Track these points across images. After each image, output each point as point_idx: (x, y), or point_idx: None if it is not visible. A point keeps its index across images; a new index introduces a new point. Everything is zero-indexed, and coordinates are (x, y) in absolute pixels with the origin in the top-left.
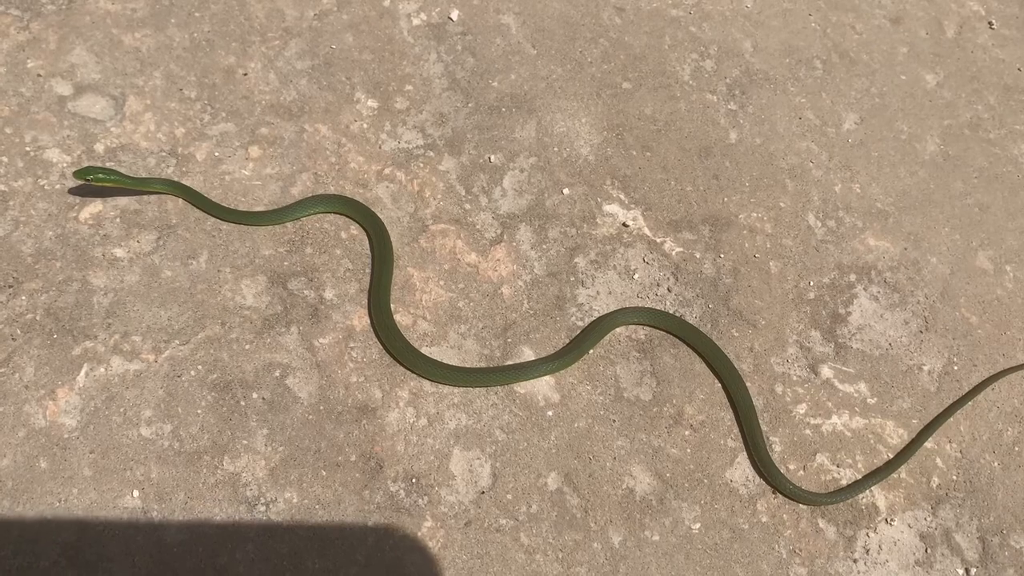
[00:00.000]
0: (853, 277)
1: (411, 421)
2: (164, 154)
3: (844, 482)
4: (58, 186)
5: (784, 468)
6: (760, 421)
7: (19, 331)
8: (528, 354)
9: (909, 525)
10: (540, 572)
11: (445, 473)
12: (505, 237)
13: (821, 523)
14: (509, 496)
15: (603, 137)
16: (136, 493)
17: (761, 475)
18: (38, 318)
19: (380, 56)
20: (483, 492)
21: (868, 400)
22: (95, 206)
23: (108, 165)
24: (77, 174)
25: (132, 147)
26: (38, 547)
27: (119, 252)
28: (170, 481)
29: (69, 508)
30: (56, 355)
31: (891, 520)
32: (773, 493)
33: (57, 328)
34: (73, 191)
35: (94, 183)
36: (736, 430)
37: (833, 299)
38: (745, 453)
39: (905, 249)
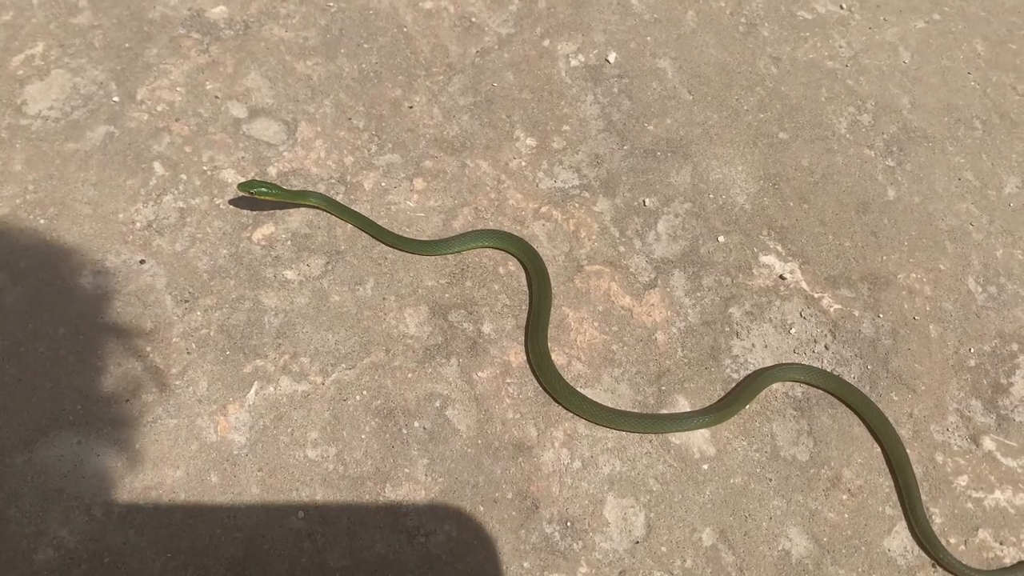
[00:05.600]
0: (1015, 347)
1: (566, 463)
2: (334, 181)
3: (1008, 561)
4: (233, 206)
5: (944, 541)
6: (920, 491)
7: (194, 345)
8: (683, 404)
9: None
10: None
11: (599, 519)
12: (659, 282)
13: None
14: (664, 548)
15: (759, 186)
16: (301, 514)
17: (922, 547)
18: (212, 334)
19: (539, 95)
20: (637, 542)
21: None
22: (267, 227)
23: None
24: (241, 187)
25: (303, 172)
26: (208, 560)
27: (289, 274)
28: (334, 505)
29: (237, 524)
30: (228, 371)
31: None
32: (933, 567)
33: (230, 345)
34: (235, 202)
35: (257, 196)
36: (895, 498)
37: (994, 368)
38: (904, 522)
39: None
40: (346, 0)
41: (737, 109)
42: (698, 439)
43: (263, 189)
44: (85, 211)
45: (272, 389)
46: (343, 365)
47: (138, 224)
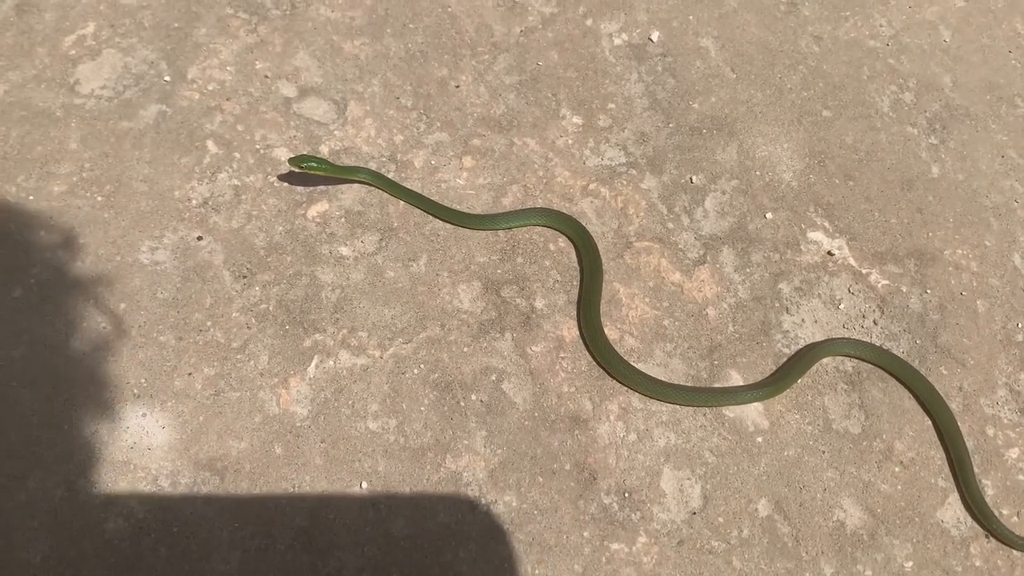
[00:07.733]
0: None
1: (621, 435)
2: (384, 159)
3: None
4: (287, 184)
5: (997, 513)
6: (972, 462)
7: (254, 320)
8: (736, 378)
9: None
10: None
11: (656, 490)
12: (708, 258)
13: None
14: (720, 519)
15: (805, 164)
16: (364, 485)
17: (975, 518)
18: (271, 309)
19: (583, 74)
20: (694, 513)
21: None
22: (321, 205)
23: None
24: (292, 161)
25: (354, 150)
26: (274, 530)
27: (344, 251)
28: (396, 475)
29: (302, 495)
30: (288, 345)
31: None
32: (987, 537)
33: (289, 320)
34: (288, 180)
35: (308, 171)
36: (947, 470)
37: None
38: (957, 494)
39: None
40: None
41: (781, 87)
42: (752, 412)
43: (313, 164)
44: (141, 188)
45: (332, 363)
46: (400, 339)
47: (194, 201)
